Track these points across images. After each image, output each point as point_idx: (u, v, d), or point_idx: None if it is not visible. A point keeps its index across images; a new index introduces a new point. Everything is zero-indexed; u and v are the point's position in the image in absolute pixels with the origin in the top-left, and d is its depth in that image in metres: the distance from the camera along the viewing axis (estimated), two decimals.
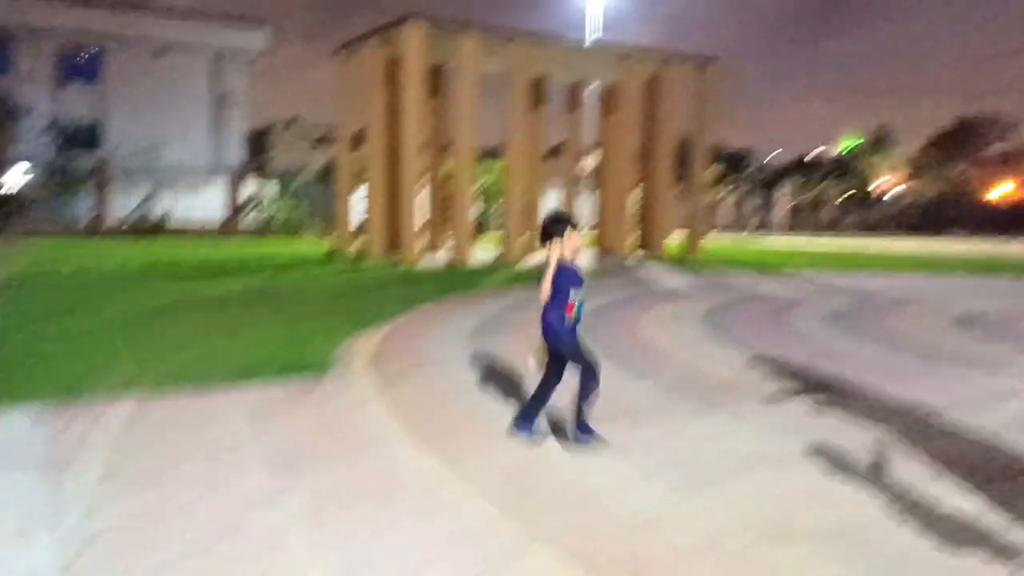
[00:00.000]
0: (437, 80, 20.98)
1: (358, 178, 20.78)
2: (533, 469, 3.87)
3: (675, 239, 21.98)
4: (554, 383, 4.26)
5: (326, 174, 33.74)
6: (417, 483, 3.65)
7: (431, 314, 9.29)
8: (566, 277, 4.13)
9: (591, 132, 23.83)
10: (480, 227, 30.69)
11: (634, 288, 12.78)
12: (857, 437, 4.47)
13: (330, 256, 19.50)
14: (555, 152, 26.80)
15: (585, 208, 31.85)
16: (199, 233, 33.38)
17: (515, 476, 3.76)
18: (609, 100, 22.29)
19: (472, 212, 18.42)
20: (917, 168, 62.82)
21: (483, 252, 19.40)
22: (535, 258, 17.48)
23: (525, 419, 4.31)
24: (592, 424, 4.19)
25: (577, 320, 4.19)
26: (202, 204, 37.16)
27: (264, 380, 5.61)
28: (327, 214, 28.73)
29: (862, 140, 61.14)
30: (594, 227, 22.55)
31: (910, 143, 64.30)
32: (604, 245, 21.80)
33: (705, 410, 5.06)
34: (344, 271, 15.36)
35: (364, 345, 7.13)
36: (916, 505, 3.39)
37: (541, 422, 4.38)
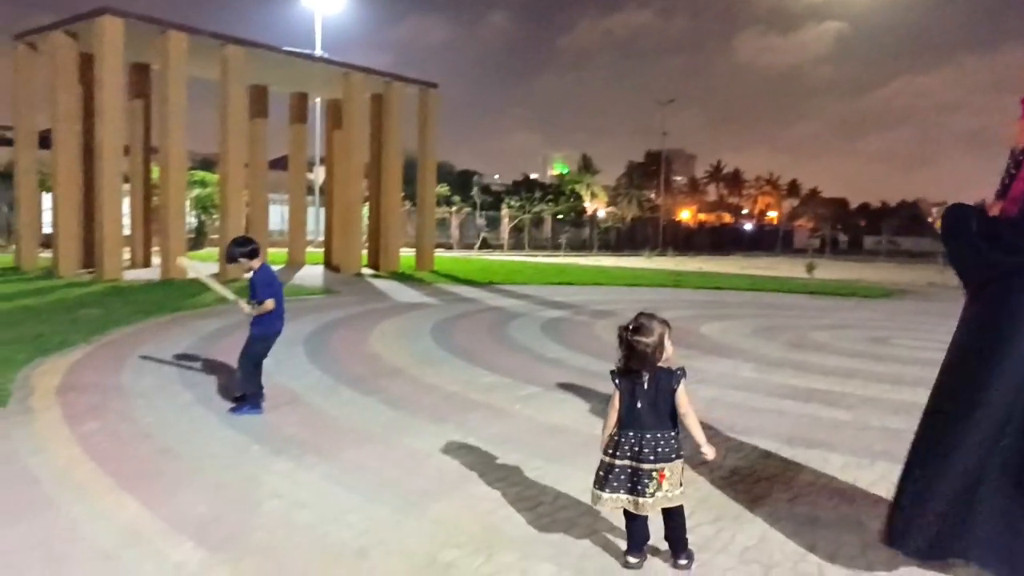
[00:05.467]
0: (141, 81, 19.17)
1: (44, 183, 18.20)
2: (242, 506, 3.60)
3: (404, 255, 22.23)
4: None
5: (3, 178, 29.11)
6: (113, 530, 3.22)
7: (131, 338, 8.36)
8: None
9: (319, 146, 23.40)
10: (197, 241, 28.50)
11: (365, 303, 12.67)
12: (572, 439, 4.83)
13: (10, 272, 16.76)
14: (280, 164, 25.80)
15: (313, 222, 31.01)
16: None
17: (222, 514, 3.48)
18: (335, 115, 22.01)
19: (183, 223, 16.97)
20: (616, 194, 70.44)
21: (199, 268, 17.96)
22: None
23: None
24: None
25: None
26: None
27: None
28: (4, 224, 24.77)
29: (568, 168, 67.26)
30: (323, 243, 22.04)
31: (608, 172, 71.95)
32: (333, 261, 21.38)
33: (430, 425, 5.13)
34: (28, 289, 13.26)
35: (47, 376, 6.21)
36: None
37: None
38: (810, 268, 24.93)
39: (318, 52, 33.64)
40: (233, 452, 4.38)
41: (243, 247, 5.24)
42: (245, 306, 5.25)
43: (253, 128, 20.25)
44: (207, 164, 41.50)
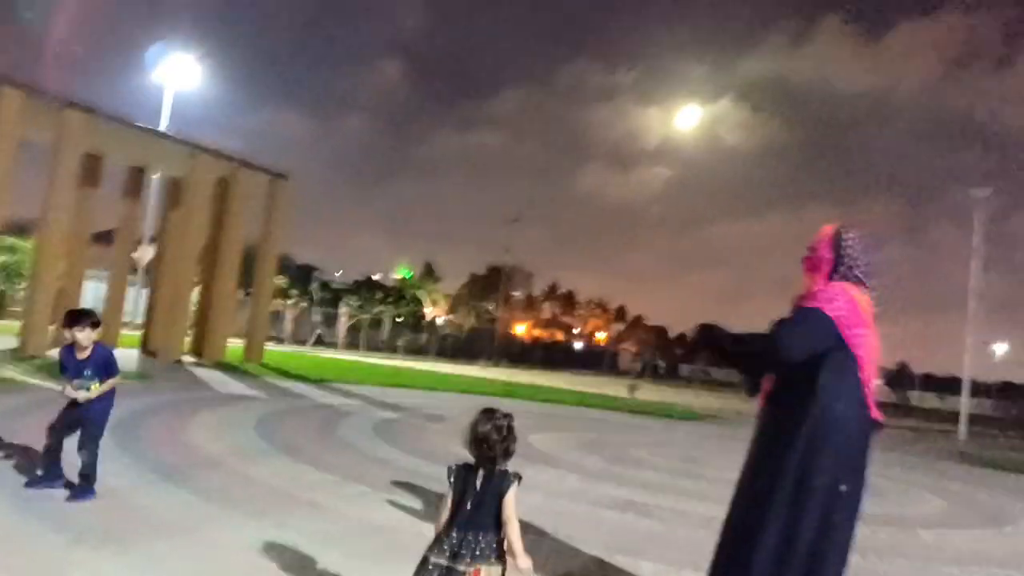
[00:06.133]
0: None
1: None
2: None
3: (234, 345, 21.20)
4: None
5: None
6: None
7: None
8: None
9: (152, 223, 22.28)
10: None
11: (185, 391, 11.91)
12: (395, 539, 4.79)
13: None
14: (105, 238, 24.19)
15: (136, 302, 29.01)
16: None
17: None
18: (175, 193, 21.17)
19: None
20: (456, 303, 71.60)
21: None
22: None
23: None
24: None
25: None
26: None
27: None
28: None
29: (411, 273, 67.94)
30: (144, 324, 20.64)
31: (450, 281, 73.42)
32: (151, 344, 19.98)
33: (247, 520, 4.89)
34: None
35: None
36: None
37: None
38: (632, 389, 26.36)
39: (164, 128, 32.51)
40: (28, 538, 3.97)
41: (92, 317, 5.03)
42: (84, 393, 4.91)
43: (81, 198, 19.03)
44: (17, 229, 38.07)
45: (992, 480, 12.46)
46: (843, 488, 3.24)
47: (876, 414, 3.38)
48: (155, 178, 28.11)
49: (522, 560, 2.99)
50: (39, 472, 5.05)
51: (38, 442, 6.00)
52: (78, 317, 4.99)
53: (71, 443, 5.03)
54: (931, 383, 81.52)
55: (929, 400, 65.76)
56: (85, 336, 4.92)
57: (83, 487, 4.90)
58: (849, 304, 3.35)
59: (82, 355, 4.93)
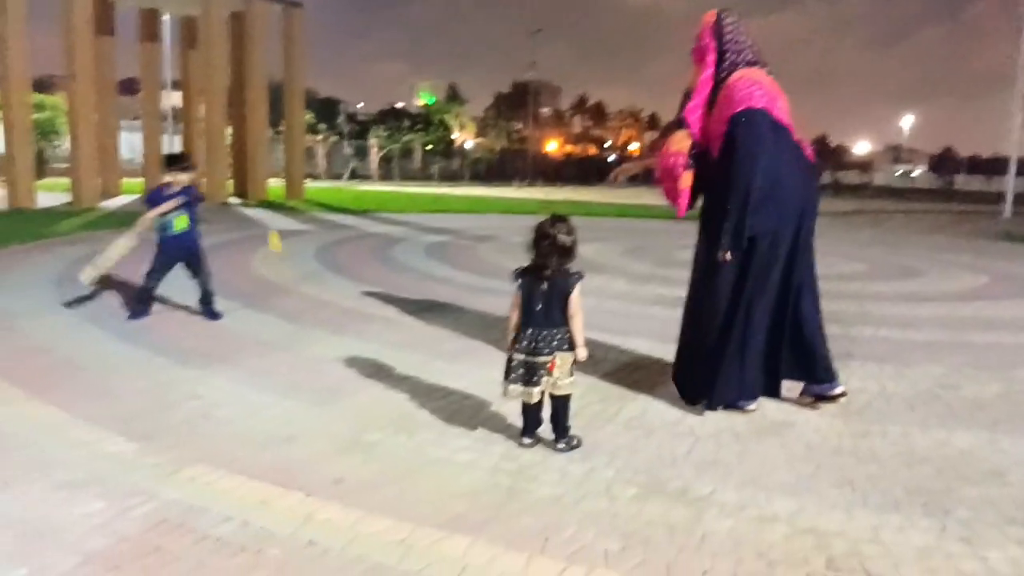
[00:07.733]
0: None
1: None
2: (161, 406, 3.71)
3: (272, 184, 21.51)
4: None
5: None
6: (36, 428, 3.27)
7: None
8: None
9: (171, 68, 21.91)
10: (38, 170, 26.16)
11: (239, 230, 12.35)
12: (467, 342, 5.18)
13: None
14: (129, 87, 23.99)
15: (169, 149, 29.10)
16: None
17: (143, 413, 3.59)
18: (190, 34, 20.65)
19: (31, 147, 15.67)
20: (484, 125, 70.28)
21: (47, 196, 16.70)
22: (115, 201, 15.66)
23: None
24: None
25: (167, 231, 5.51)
26: None
27: None
28: None
29: (435, 98, 66.23)
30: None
31: (475, 102, 71.61)
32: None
33: (330, 335, 5.32)
34: None
35: None
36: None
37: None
38: None
39: None
40: (138, 363, 4.42)
41: (188, 160, 5.75)
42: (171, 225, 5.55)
43: (99, 46, 18.70)
44: (40, 86, 37.69)
45: None
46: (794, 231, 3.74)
47: (810, 155, 3.87)
48: (166, 19, 27.28)
49: (581, 351, 3.30)
50: (138, 307, 5.55)
51: (119, 283, 6.47)
52: (178, 159, 5.66)
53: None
54: (977, 165, 79.46)
55: (975, 183, 64.40)
56: (186, 176, 5.50)
57: (211, 309, 5.68)
58: (765, 89, 3.71)
59: (171, 193, 5.43)
